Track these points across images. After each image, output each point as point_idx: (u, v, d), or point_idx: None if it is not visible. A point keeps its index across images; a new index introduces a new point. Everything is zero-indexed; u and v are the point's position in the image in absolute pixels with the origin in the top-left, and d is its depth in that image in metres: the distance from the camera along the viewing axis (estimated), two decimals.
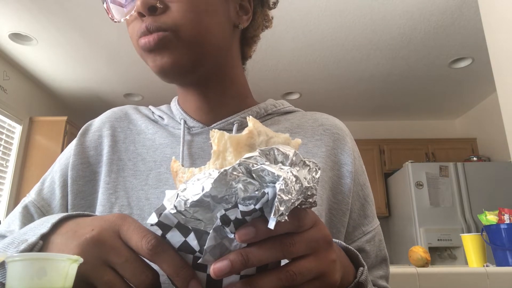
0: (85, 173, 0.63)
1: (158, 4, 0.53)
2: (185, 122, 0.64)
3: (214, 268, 0.33)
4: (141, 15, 0.54)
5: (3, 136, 3.60)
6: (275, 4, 0.71)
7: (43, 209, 0.62)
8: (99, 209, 0.60)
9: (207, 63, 0.59)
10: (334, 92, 4.22)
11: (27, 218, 0.61)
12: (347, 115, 4.82)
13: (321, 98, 4.38)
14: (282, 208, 0.31)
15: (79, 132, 0.67)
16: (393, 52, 3.44)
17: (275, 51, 3.40)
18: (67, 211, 0.61)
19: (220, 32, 0.59)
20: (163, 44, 0.54)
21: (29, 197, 0.64)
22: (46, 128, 3.89)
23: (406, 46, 3.34)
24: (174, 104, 0.69)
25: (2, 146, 3.58)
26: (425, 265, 1.49)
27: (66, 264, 0.32)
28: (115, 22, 0.59)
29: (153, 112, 0.70)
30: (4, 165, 3.62)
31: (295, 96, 4.31)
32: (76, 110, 4.59)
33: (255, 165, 0.33)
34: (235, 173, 0.32)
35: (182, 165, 0.49)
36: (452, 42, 3.29)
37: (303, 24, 3.05)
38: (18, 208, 0.63)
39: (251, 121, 0.38)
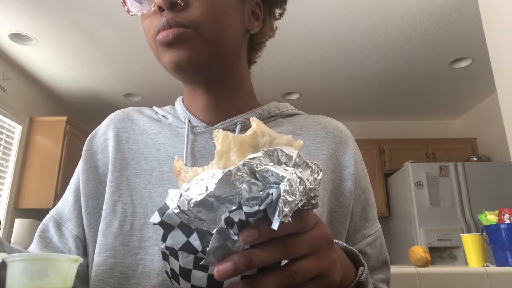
0: (95, 176, 0.65)
1: (179, 1, 0.55)
2: (189, 121, 0.65)
3: (218, 270, 0.33)
4: (160, 9, 0.55)
5: (3, 136, 3.60)
6: (281, 15, 0.74)
7: (56, 216, 0.66)
8: (104, 207, 0.61)
9: (220, 62, 0.60)
10: (334, 92, 4.22)
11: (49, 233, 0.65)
12: (347, 115, 4.82)
13: (321, 98, 4.37)
14: (286, 209, 0.31)
15: (87, 139, 0.70)
16: (393, 52, 3.44)
17: (275, 51, 3.39)
18: (80, 215, 0.64)
19: (235, 34, 0.61)
20: (181, 39, 0.55)
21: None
22: (46, 128, 3.89)
23: (406, 46, 3.34)
24: (178, 103, 0.70)
25: (2, 146, 3.58)
26: (425, 265, 1.49)
27: (66, 264, 0.31)
28: (131, 15, 0.60)
29: (156, 112, 0.71)
30: (4, 165, 3.61)
31: (295, 96, 4.31)
32: (76, 110, 4.59)
33: (259, 166, 0.33)
34: (239, 173, 0.32)
35: (185, 164, 0.49)
36: (452, 42, 3.29)
37: (303, 24, 3.04)
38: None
39: (255, 122, 0.38)
